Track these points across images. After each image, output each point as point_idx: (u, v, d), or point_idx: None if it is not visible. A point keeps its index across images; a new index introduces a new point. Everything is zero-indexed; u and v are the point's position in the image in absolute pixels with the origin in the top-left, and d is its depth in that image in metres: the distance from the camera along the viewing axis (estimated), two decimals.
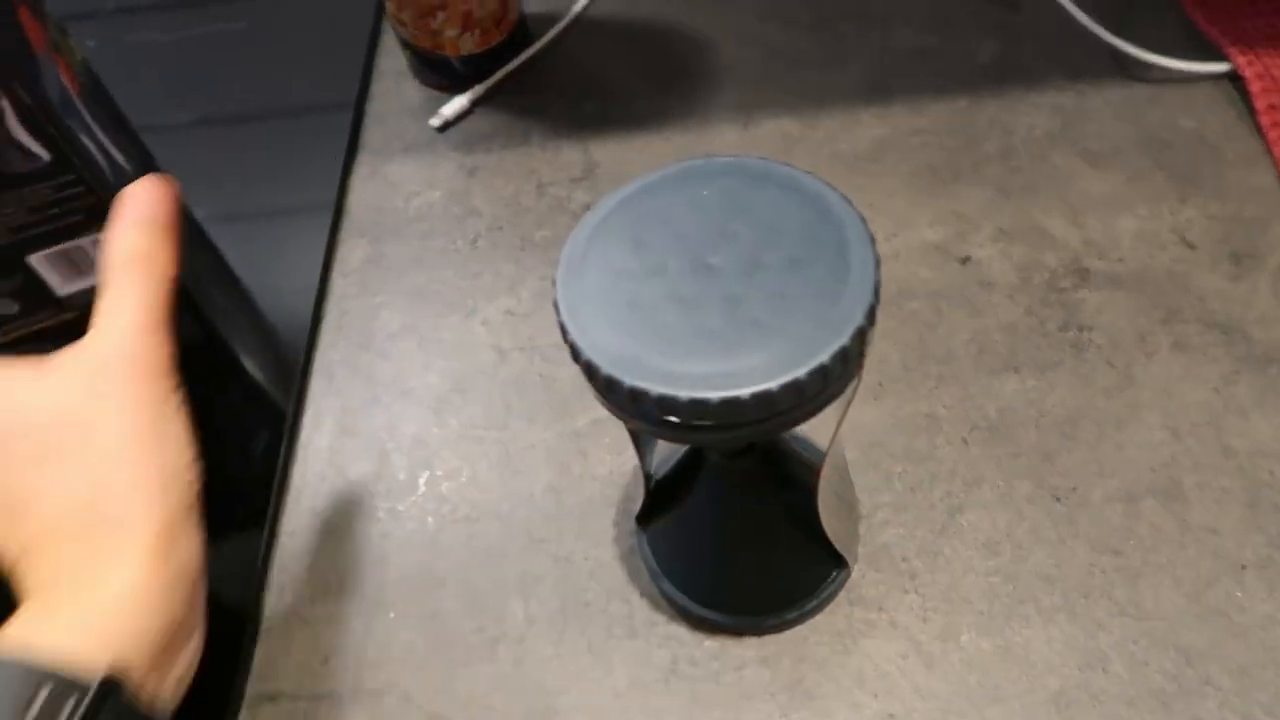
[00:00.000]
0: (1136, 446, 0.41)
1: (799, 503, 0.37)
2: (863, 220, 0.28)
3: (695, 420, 0.26)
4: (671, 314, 0.27)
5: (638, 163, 0.54)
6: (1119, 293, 0.45)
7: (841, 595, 0.39)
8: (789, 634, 0.38)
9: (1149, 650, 0.36)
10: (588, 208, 0.54)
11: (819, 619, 0.38)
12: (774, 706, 0.37)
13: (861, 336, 0.26)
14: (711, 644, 0.38)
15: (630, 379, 0.26)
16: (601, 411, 0.46)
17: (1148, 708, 0.35)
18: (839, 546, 0.37)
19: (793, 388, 0.25)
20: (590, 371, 0.27)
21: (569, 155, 0.55)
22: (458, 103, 0.57)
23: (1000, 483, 0.40)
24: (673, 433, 0.27)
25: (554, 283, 0.28)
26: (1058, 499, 0.40)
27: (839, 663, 0.37)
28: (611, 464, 0.43)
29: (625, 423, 0.28)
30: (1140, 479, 0.40)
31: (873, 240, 0.27)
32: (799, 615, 0.38)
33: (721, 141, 0.54)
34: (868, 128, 0.53)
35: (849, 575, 0.39)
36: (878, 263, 0.27)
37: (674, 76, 0.57)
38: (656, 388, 0.26)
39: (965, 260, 0.47)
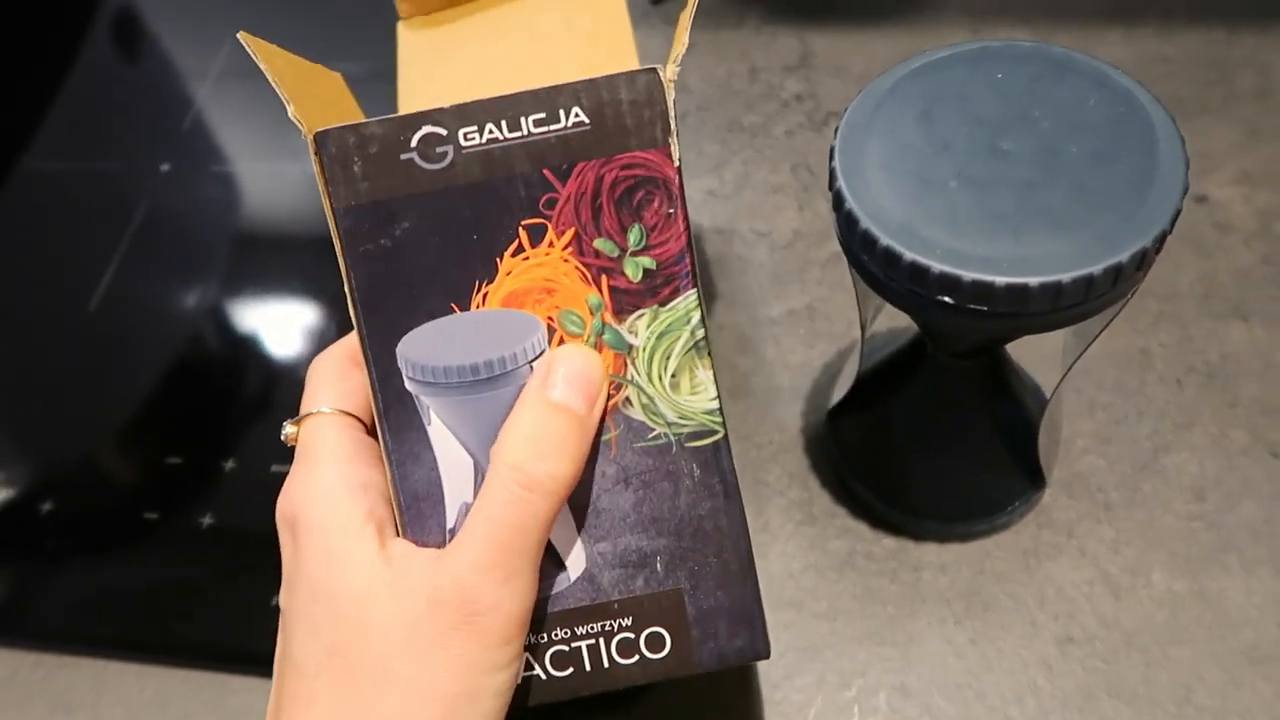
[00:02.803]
0: None
1: (1009, 415, 0.37)
2: (1173, 120, 0.26)
3: (972, 304, 0.25)
4: (959, 193, 0.26)
5: (856, 56, 0.53)
6: None
7: (1030, 516, 0.38)
8: (972, 545, 0.38)
9: None
10: (799, 98, 0.53)
11: (1004, 535, 0.38)
12: (948, 612, 0.37)
13: (1161, 240, 0.25)
14: (890, 543, 0.38)
15: (911, 253, 0.25)
16: (796, 302, 0.46)
17: None
18: (1043, 467, 0.36)
19: (1083, 283, 0.25)
20: (865, 242, 0.26)
21: (785, 42, 0.54)
22: None
23: (1213, 430, 0.39)
24: (940, 315, 0.26)
25: (832, 150, 0.28)
26: (1275, 455, 0.38)
27: (1020, 580, 0.37)
28: (804, 355, 0.43)
29: (890, 300, 0.28)
30: None
31: (1183, 142, 0.26)
32: (986, 528, 0.38)
33: None
34: (1110, 48, 0.50)
35: (1041, 497, 0.38)
36: (1187, 165, 0.26)
37: None
38: (939, 265, 0.25)
39: (1202, 199, 0.45)
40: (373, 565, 0.26)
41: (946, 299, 0.26)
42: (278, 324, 0.48)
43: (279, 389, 0.46)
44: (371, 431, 0.30)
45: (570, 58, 0.38)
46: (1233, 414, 0.39)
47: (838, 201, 0.27)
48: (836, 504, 0.39)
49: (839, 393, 0.39)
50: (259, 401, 0.46)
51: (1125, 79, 0.27)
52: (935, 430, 0.37)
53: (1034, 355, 0.39)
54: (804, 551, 0.38)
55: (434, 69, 0.38)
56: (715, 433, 0.28)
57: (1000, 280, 0.25)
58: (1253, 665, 0.34)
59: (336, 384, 0.30)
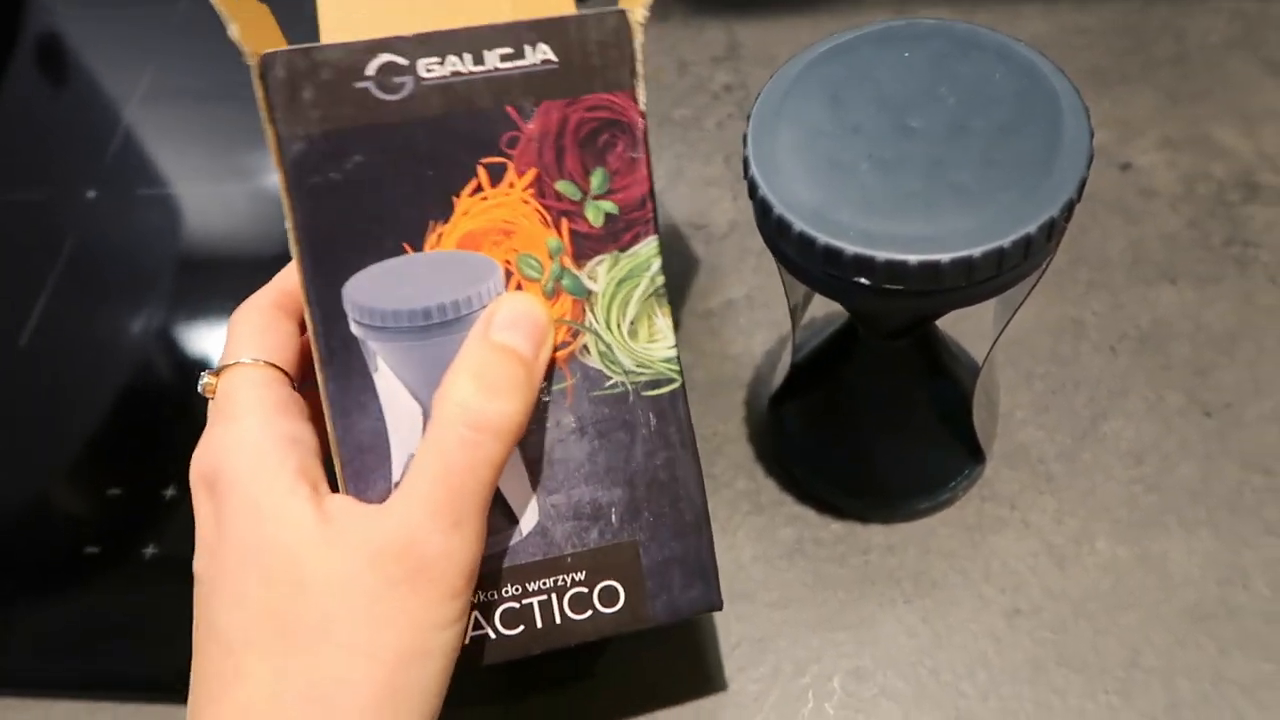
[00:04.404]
0: None
1: (945, 393, 0.37)
2: (1077, 91, 0.27)
3: (888, 284, 0.25)
4: (870, 174, 0.26)
5: (783, 44, 0.53)
6: None
7: (973, 491, 0.38)
8: (917, 524, 0.38)
9: None
10: (728, 88, 0.53)
11: (949, 512, 0.38)
12: (897, 592, 0.37)
13: (1069, 210, 0.25)
14: (838, 527, 0.38)
15: (825, 237, 0.25)
16: (735, 292, 0.45)
17: None
18: (981, 441, 0.36)
19: (994, 256, 0.25)
20: (780, 228, 0.26)
21: (712, 34, 0.54)
22: None
23: (1149, 394, 0.39)
24: (859, 297, 0.26)
25: (744, 137, 0.28)
26: (1209, 414, 0.39)
27: (967, 555, 0.37)
28: (743, 345, 0.43)
29: (809, 285, 0.28)
30: None
31: (1087, 112, 0.26)
32: (930, 506, 0.38)
33: None
34: (1029, 22, 0.50)
35: (983, 471, 0.38)
36: (1091, 135, 0.26)
37: None
38: (852, 247, 0.25)
39: (1126, 166, 0.45)
40: (307, 521, 0.24)
41: (863, 280, 0.26)
42: (214, 345, 0.47)
43: None
44: (298, 387, 0.28)
45: (506, 7, 0.36)
46: (1166, 376, 0.40)
47: (752, 189, 0.27)
48: (783, 492, 0.39)
49: (779, 380, 0.39)
50: (199, 426, 0.45)
51: (1028, 51, 0.27)
52: (873, 412, 0.37)
53: (968, 330, 0.39)
54: (753, 542, 0.38)
55: (357, 9, 0.36)
56: (673, 381, 0.28)
57: (913, 259, 0.25)
58: (1195, 624, 0.35)
59: (261, 335, 0.28)
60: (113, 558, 0.41)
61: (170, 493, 0.42)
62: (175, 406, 0.45)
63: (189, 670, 0.38)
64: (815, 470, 0.38)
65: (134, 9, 0.62)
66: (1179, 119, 0.46)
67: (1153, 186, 0.44)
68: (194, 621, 0.26)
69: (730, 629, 0.37)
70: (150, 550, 0.41)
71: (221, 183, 0.53)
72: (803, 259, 0.26)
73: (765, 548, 0.38)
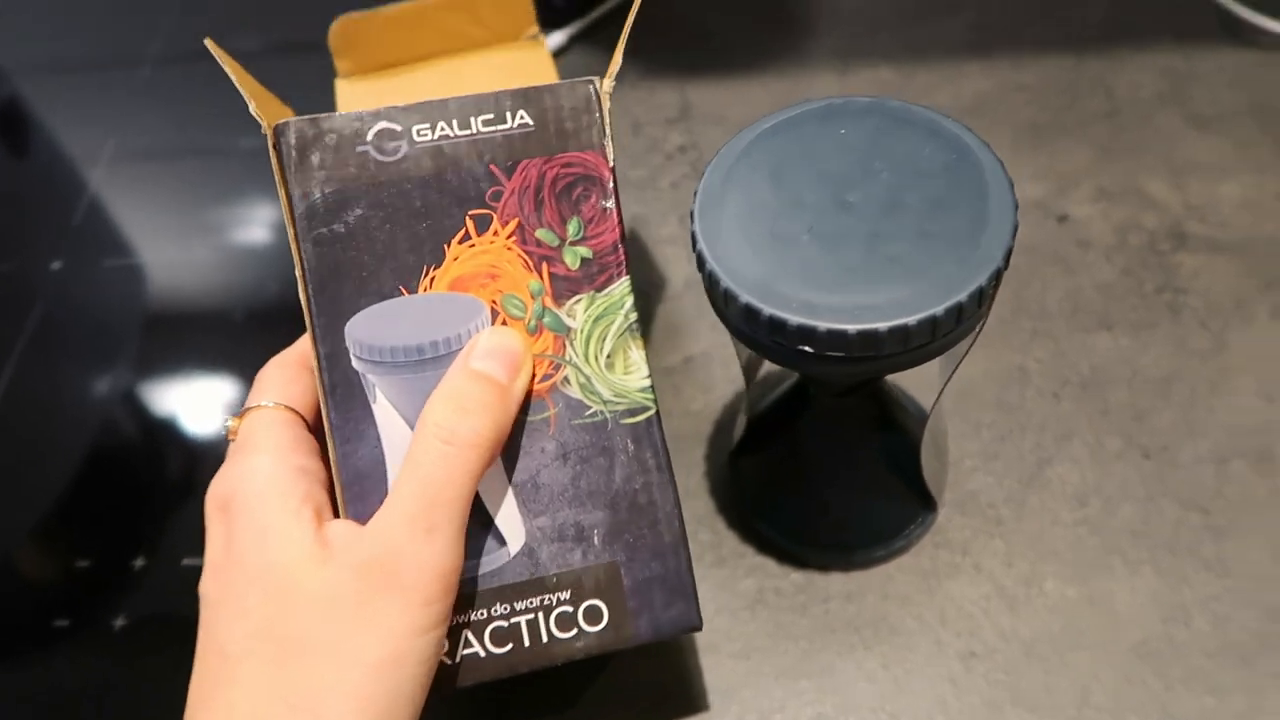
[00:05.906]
0: (1229, 410, 0.41)
1: (896, 444, 0.38)
2: (1002, 164, 0.28)
3: (830, 351, 0.27)
4: (811, 247, 0.28)
5: (734, 106, 0.55)
6: (1218, 258, 0.45)
7: (927, 538, 0.40)
8: (875, 571, 0.39)
9: (1232, 607, 0.37)
10: (682, 149, 0.54)
11: (904, 559, 0.39)
12: (858, 639, 0.38)
13: (998, 278, 0.27)
14: (798, 577, 0.39)
15: (769, 308, 0.27)
16: (694, 349, 0.47)
17: (1229, 661, 0.36)
18: (932, 489, 0.38)
19: (929, 324, 0.26)
20: (727, 299, 0.28)
21: (664, 96, 0.56)
22: (555, 39, 0.58)
23: (1090, 438, 0.41)
24: (803, 363, 0.28)
25: (692, 213, 0.29)
26: (1147, 456, 0.40)
27: (922, 601, 0.38)
28: (704, 400, 0.44)
29: (756, 351, 0.29)
30: (1231, 442, 0.40)
31: (1012, 184, 0.28)
32: (886, 554, 0.39)
33: (818, 88, 0.54)
34: (969, 80, 0.52)
35: (935, 518, 0.40)
36: (1016, 206, 0.27)
37: (773, 21, 0.57)
38: (795, 317, 0.26)
39: (1063, 218, 0.47)
40: (307, 542, 0.27)
41: (806, 348, 0.27)
42: (182, 411, 0.48)
43: (190, 478, 0.45)
44: (315, 431, 0.31)
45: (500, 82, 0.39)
46: (1106, 421, 0.41)
47: (700, 262, 0.28)
48: (744, 544, 0.40)
49: (739, 435, 0.41)
50: (167, 494, 0.45)
51: (956, 127, 0.29)
52: (827, 465, 0.38)
53: (916, 382, 0.40)
54: (715, 594, 0.39)
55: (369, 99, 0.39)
56: (648, 409, 0.30)
57: (853, 328, 0.26)
58: (1142, 661, 0.36)
59: (283, 385, 0.31)
60: (82, 630, 0.41)
61: (140, 563, 0.43)
62: (144, 476, 0.46)
63: None
64: (775, 522, 0.40)
65: (96, 75, 0.63)
66: (1111, 172, 0.48)
67: (1088, 237, 0.47)
68: (198, 639, 0.27)
69: (694, 681, 0.37)
70: (120, 621, 0.41)
71: (187, 243, 0.54)
72: (749, 328, 0.28)
73: (727, 599, 0.39)
